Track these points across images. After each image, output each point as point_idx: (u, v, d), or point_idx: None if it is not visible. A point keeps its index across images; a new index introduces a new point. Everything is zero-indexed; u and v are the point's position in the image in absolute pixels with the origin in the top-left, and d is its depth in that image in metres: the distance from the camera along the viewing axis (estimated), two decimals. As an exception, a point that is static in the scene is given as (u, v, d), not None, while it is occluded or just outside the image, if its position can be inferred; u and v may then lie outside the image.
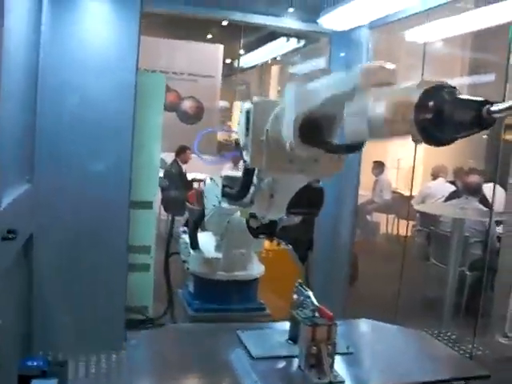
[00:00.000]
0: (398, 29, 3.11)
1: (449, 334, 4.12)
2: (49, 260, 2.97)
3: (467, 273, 5.03)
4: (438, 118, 1.08)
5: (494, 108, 1.03)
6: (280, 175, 1.73)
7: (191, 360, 1.67)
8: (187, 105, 10.28)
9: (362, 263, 5.26)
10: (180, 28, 8.23)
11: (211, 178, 2.19)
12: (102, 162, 2.99)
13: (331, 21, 3.20)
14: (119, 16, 2.96)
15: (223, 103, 13.18)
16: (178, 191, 6.65)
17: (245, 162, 1.76)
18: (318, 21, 3.28)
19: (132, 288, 3.27)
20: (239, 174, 1.88)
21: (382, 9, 2.85)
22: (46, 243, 2.92)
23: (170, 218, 5.24)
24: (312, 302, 1.66)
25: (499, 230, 4.99)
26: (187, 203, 6.48)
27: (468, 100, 1.06)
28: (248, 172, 1.79)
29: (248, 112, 1.72)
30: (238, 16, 3.39)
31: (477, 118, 1.05)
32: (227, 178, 2.06)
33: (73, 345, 3.01)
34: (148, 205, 3.47)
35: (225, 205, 2.06)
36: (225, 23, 3.45)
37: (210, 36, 11.26)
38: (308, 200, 1.82)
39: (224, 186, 2.06)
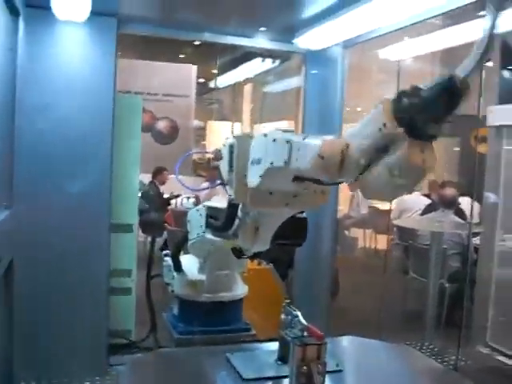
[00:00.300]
0: (372, 47, 3.17)
1: (431, 346, 4.17)
2: (30, 286, 2.95)
3: (446, 285, 5.09)
4: (416, 104, 1.13)
5: (459, 71, 1.08)
6: (265, 209, 1.73)
7: (181, 384, 1.67)
8: (162, 125, 10.30)
9: (342, 278, 5.28)
10: (152, 48, 8.25)
11: (196, 209, 2.18)
12: (82, 186, 2.99)
13: (306, 40, 3.25)
14: (96, 38, 2.98)
15: (198, 122, 13.21)
16: (157, 213, 6.63)
17: (229, 196, 1.77)
18: (294, 41, 3.34)
19: (114, 312, 3.26)
20: (222, 204, 1.88)
21: (355, 29, 2.91)
22: (26, 269, 2.90)
23: (149, 239, 5.21)
24: (300, 322, 1.66)
25: (476, 241, 5.07)
26: (166, 225, 6.48)
27: (437, 82, 1.11)
28: (232, 206, 1.80)
29: (231, 147, 1.73)
30: (215, 38, 3.44)
31: (451, 89, 1.09)
32: (211, 209, 2.05)
33: (56, 371, 2.99)
34: (128, 228, 3.46)
35: (209, 236, 2.05)
36: (198, 42, 3.47)
37: (182, 56, 11.29)
38: (292, 231, 1.81)
39: (208, 217, 2.05)
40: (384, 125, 1.18)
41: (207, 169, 9.56)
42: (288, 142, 1.40)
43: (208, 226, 2.04)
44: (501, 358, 4.22)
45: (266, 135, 1.53)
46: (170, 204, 7.70)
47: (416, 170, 1.21)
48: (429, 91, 1.12)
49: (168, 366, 1.81)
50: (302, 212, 1.81)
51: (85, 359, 3.01)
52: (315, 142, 1.30)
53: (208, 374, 1.80)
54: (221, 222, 1.90)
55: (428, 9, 2.41)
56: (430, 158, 1.20)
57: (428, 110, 1.14)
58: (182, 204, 8.02)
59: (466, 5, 2.30)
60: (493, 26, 1.08)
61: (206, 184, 8.25)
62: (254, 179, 1.57)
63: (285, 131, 1.54)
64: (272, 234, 1.77)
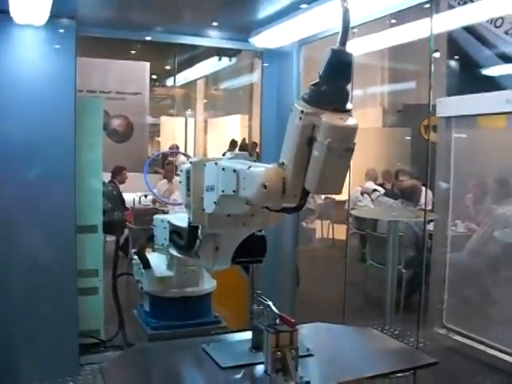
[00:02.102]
0: (326, 44, 3.28)
1: (391, 329, 4.32)
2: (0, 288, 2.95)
3: (403, 270, 5.28)
4: (319, 83, 1.33)
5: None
6: (223, 230, 1.80)
7: (162, 377, 1.74)
8: (116, 123, 10.22)
9: (302, 269, 5.39)
10: (103, 46, 8.18)
11: (161, 219, 2.24)
12: (46, 189, 3.00)
13: (262, 39, 3.33)
14: (56, 41, 2.99)
15: (151, 119, 13.14)
16: (118, 212, 6.62)
17: (189, 219, 1.84)
18: (250, 39, 3.42)
19: (83, 312, 3.28)
20: (185, 223, 1.94)
21: (309, 28, 3.01)
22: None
23: (112, 238, 5.21)
24: (273, 311, 1.75)
25: (429, 227, 5.27)
26: (127, 223, 6.48)
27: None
28: (193, 227, 1.87)
29: (188, 172, 1.81)
30: (173, 38, 3.48)
31: (335, 55, 1.30)
32: (174, 226, 2.11)
33: (26, 374, 2.99)
34: (94, 228, 3.48)
35: (173, 251, 2.12)
36: (148, 38, 3.50)
37: (133, 52, 11.20)
38: (252, 249, 1.88)
39: (171, 233, 2.10)
40: (302, 112, 1.31)
41: (163, 165, 9.55)
42: (235, 171, 1.48)
43: (172, 242, 2.11)
44: (457, 337, 4.42)
45: (216, 163, 1.62)
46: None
47: (345, 132, 1.30)
48: (323, 68, 1.31)
49: (148, 361, 1.87)
50: (261, 230, 1.88)
51: (55, 360, 3.02)
52: (258, 170, 1.39)
53: (188, 365, 1.88)
54: (183, 242, 1.97)
55: (377, 10, 2.53)
56: (351, 121, 1.31)
57: (330, 81, 1.30)
58: (140, 202, 8.02)
59: (410, 7, 2.44)
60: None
61: (164, 183, 8.27)
62: (209, 206, 1.67)
63: (237, 155, 1.65)
64: (232, 252, 1.84)
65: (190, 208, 1.81)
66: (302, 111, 1.31)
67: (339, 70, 1.32)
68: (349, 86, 1.35)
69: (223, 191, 1.57)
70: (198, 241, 1.90)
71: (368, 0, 2.40)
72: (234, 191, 1.49)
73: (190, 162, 1.82)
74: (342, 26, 1.30)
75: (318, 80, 1.33)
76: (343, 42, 1.29)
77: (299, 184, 1.34)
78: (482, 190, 4.98)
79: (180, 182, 1.89)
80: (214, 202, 1.63)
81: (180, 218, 2.10)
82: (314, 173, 1.31)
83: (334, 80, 1.32)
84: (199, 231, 1.88)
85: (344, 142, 1.30)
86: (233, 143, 11.32)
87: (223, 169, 1.57)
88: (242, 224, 1.71)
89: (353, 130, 1.31)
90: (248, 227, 1.76)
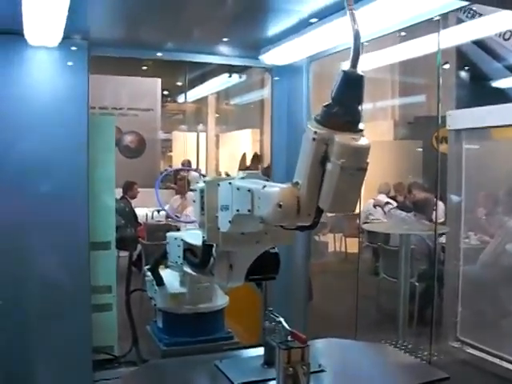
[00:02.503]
0: (336, 60, 3.31)
1: (405, 343, 4.31)
2: (15, 306, 2.98)
3: (416, 284, 5.26)
4: (331, 105, 1.36)
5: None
6: (237, 248, 1.83)
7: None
8: (128, 139, 10.31)
9: (314, 283, 5.39)
10: (114, 62, 8.28)
11: (175, 237, 2.26)
12: (60, 206, 3.04)
13: (272, 56, 3.37)
14: (69, 62, 3.04)
15: (164, 135, 13.24)
16: (131, 228, 6.67)
17: (203, 237, 1.87)
18: (260, 57, 3.45)
19: (96, 328, 3.30)
20: (199, 241, 1.97)
21: (319, 44, 3.04)
22: (7, 288, 2.94)
23: (124, 254, 5.25)
24: (284, 327, 1.77)
25: (442, 240, 5.26)
26: (140, 239, 6.52)
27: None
28: (207, 246, 1.89)
29: (202, 191, 1.84)
30: (184, 56, 3.52)
31: (346, 77, 1.34)
32: (188, 244, 2.13)
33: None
34: (107, 245, 3.51)
35: (187, 269, 2.15)
36: (160, 56, 3.54)
37: (145, 68, 11.31)
38: (265, 266, 1.90)
39: (185, 250, 2.13)
40: (315, 133, 1.34)
41: (175, 181, 9.60)
42: (249, 190, 1.52)
43: (186, 260, 2.13)
44: (471, 350, 4.39)
45: (230, 183, 1.65)
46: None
47: (357, 152, 1.33)
48: (335, 90, 1.34)
49: (162, 377, 1.90)
50: (274, 247, 1.90)
51: (69, 376, 3.04)
52: (273, 190, 1.43)
53: (201, 382, 1.90)
54: (198, 260, 2.00)
55: (386, 26, 2.55)
56: (364, 141, 1.35)
57: (342, 102, 1.34)
58: (152, 217, 8.07)
59: (419, 23, 2.46)
60: (354, 20, 1.33)
61: (177, 198, 8.31)
62: (224, 225, 1.69)
63: (249, 174, 1.69)
64: (246, 270, 1.87)
65: (204, 227, 1.84)
66: (316, 132, 1.34)
67: (351, 91, 1.35)
68: (360, 107, 1.38)
69: (238, 210, 1.59)
70: (212, 259, 1.92)
71: (377, 17, 2.41)
72: (249, 210, 1.52)
73: (204, 182, 1.84)
74: (353, 48, 1.32)
75: (329, 101, 1.35)
76: (354, 64, 1.32)
77: (313, 203, 1.37)
78: (493, 201, 4.97)
79: (194, 201, 1.92)
80: (229, 221, 1.65)
81: (193, 235, 2.12)
82: (328, 192, 1.34)
83: (346, 101, 1.35)
84: (213, 249, 1.90)
85: (357, 162, 1.33)
86: (255, 157, 11.30)
87: (238, 188, 1.60)
88: (255, 242, 1.74)
89: (365, 150, 1.34)
90: (262, 245, 1.79)
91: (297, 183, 1.39)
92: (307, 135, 1.37)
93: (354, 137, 1.33)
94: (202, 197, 1.85)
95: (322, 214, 1.40)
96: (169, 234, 2.33)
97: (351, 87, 1.34)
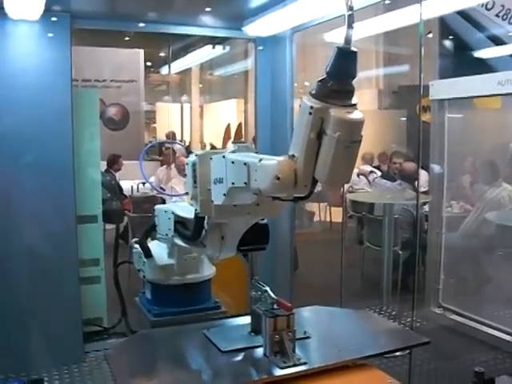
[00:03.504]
0: (319, 31, 3.32)
1: (389, 310, 4.41)
2: (2, 280, 3.00)
3: (400, 252, 5.34)
4: (327, 79, 1.39)
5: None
6: (229, 219, 1.86)
7: (165, 362, 1.80)
8: (112, 111, 10.20)
9: (300, 252, 5.45)
10: (96, 34, 8.16)
11: (164, 210, 2.28)
12: (46, 180, 3.05)
13: (255, 28, 3.36)
14: (51, 35, 3.01)
15: (147, 106, 13.12)
16: (117, 201, 6.66)
17: (196, 210, 1.89)
18: (243, 28, 3.45)
19: (85, 301, 3.34)
20: (190, 215, 1.99)
21: (302, 16, 3.04)
22: (-2, 265, 2.96)
23: (112, 227, 5.26)
24: (270, 296, 1.82)
25: (425, 209, 5.33)
26: (126, 212, 6.52)
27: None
28: (199, 218, 1.92)
29: (194, 164, 1.86)
30: (167, 28, 3.50)
31: (340, 53, 1.37)
32: (179, 217, 2.15)
33: (32, 362, 3.06)
34: (94, 218, 3.53)
35: (179, 241, 2.17)
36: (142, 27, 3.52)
37: (127, 39, 11.15)
38: (255, 237, 1.94)
39: (176, 223, 2.15)
40: (311, 107, 1.37)
41: (160, 152, 9.56)
42: (245, 164, 1.55)
43: (177, 232, 2.16)
44: (453, 316, 4.50)
45: (224, 157, 1.68)
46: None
47: (352, 125, 1.38)
48: (330, 65, 1.37)
49: (151, 347, 1.94)
50: (263, 218, 1.94)
51: (61, 348, 3.09)
52: (270, 163, 1.46)
53: (189, 350, 1.95)
54: (190, 232, 2.02)
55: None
56: (358, 114, 1.39)
57: (337, 77, 1.37)
58: (138, 190, 8.05)
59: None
60: None
61: (162, 169, 8.29)
62: (218, 197, 1.72)
63: (240, 147, 1.72)
64: (237, 241, 1.91)
65: (197, 199, 1.87)
66: (312, 107, 1.38)
67: (345, 66, 1.38)
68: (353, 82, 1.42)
69: (233, 183, 1.63)
70: (203, 231, 1.96)
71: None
72: (245, 183, 1.56)
73: (196, 155, 1.87)
74: (347, 24, 1.35)
75: (324, 76, 1.39)
76: (348, 40, 1.35)
77: (309, 175, 1.41)
78: (476, 170, 5.04)
79: (185, 175, 1.94)
80: (224, 194, 1.68)
81: (183, 208, 2.15)
82: (325, 164, 1.38)
83: (341, 76, 1.39)
84: (205, 221, 1.94)
85: (352, 135, 1.38)
86: (239, 128, 11.25)
87: (232, 162, 1.63)
88: (247, 213, 1.77)
89: (360, 123, 1.39)
90: (253, 216, 1.83)
91: (293, 156, 1.43)
92: (303, 109, 1.40)
93: (349, 110, 1.38)
94: (194, 170, 1.87)
95: (315, 185, 1.45)
96: (157, 207, 2.35)
97: (345, 63, 1.38)
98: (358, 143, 1.39)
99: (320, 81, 1.39)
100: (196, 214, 1.91)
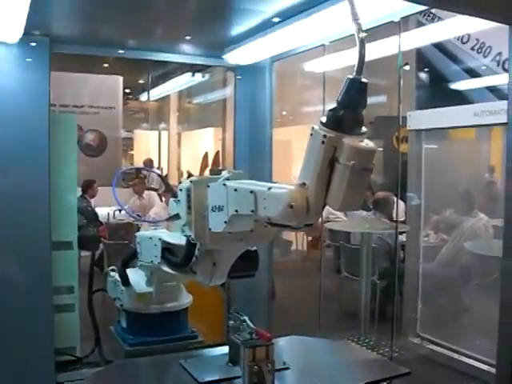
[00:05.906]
0: (298, 61, 3.35)
1: (367, 340, 4.39)
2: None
3: (377, 281, 5.34)
4: (337, 108, 1.42)
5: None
6: (222, 246, 1.85)
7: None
8: (90, 137, 10.15)
9: (277, 281, 5.41)
10: (75, 60, 8.17)
11: (149, 237, 2.24)
12: (21, 205, 2.98)
13: (235, 56, 3.38)
14: (29, 59, 2.98)
15: (125, 133, 13.10)
16: (92, 227, 6.59)
17: (189, 236, 1.87)
18: (223, 56, 3.46)
19: (58, 329, 3.25)
20: (179, 241, 1.97)
21: (282, 45, 3.07)
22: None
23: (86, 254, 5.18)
24: (249, 325, 1.79)
25: (402, 238, 5.36)
26: (102, 239, 6.45)
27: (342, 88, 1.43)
28: (192, 245, 1.90)
29: (188, 190, 1.84)
30: (146, 55, 3.50)
31: (352, 83, 1.41)
32: (166, 243, 2.12)
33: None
34: (69, 245, 3.47)
35: (165, 268, 2.13)
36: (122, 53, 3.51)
37: (106, 65, 11.16)
38: (245, 263, 1.96)
39: (164, 250, 2.12)
40: (324, 136, 1.39)
41: (134, 179, 9.51)
42: (252, 192, 1.54)
43: (165, 259, 2.13)
44: (431, 346, 4.50)
45: (225, 184, 1.67)
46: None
47: (365, 154, 1.40)
48: (341, 95, 1.41)
49: (127, 377, 1.89)
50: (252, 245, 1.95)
51: (32, 378, 3.00)
52: (282, 191, 1.48)
53: (166, 382, 1.90)
54: (179, 258, 1.99)
55: (347, 29, 2.59)
56: (369, 143, 1.42)
57: (348, 106, 1.41)
58: (114, 217, 7.97)
59: (380, 25, 2.51)
60: (360, 30, 1.40)
61: (135, 199, 8.23)
62: (217, 225, 1.71)
63: (234, 174, 1.74)
64: (229, 267, 1.91)
65: (191, 226, 1.84)
66: (325, 135, 1.39)
67: (356, 96, 1.42)
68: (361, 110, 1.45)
69: (236, 211, 1.62)
70: (194, 257, 1.93)
71: (339, 19, 2.46)
72: (252, 211, 1.55)
73: (191, 181, 1.85)
74: (359, 56, 1.39)
75: (335, 105, 1.42)
76: (359, 71, 1.40)
77: (321, 202, 1.44)
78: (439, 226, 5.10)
79: (179, 201, 1.91)
80: (225, 222, 1.67)
81: (168, 234, 2.12)
82: (338, 192, 1.40)
83: (352, 106, 1.42)
84: (196, 248, 1.91)
85: (365, 163, 1.40)
86: (217, 156, 11.22)
87: (235, 190, 1.62)
88: (239, 240, 1.77)
89: (372, 151, 1.43)
90: (245, 242, 1.82)
91: (304, 184, 1.44)
92: (315, 138, 1.42)
93: (360, 139, 1.41)
94: (188, 195, 1.84)
95: (322, 212, 1.47)
96: (139, 234, 2.31)
97: (356, 93, 1.41)
98: (370, 171, 1.42)
99: (331, 110, 1.42)
100: (189, 241, 1.89)
